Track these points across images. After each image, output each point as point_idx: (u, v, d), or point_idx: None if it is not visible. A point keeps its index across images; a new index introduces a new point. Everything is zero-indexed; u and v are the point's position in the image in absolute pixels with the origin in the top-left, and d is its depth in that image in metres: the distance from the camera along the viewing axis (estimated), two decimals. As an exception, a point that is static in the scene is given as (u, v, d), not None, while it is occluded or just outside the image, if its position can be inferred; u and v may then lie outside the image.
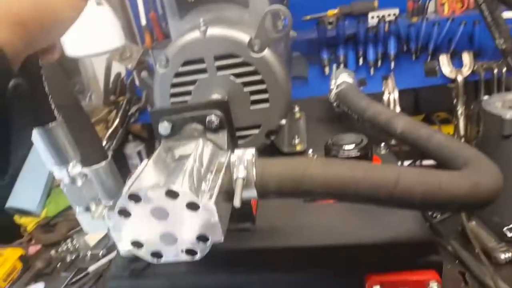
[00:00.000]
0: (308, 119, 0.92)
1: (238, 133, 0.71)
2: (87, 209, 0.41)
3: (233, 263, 0.53)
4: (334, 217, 0.56)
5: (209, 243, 0.38)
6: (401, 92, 1.42)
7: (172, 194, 0.36)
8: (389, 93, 1.15)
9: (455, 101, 1.14)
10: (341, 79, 0.85)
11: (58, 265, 0.97)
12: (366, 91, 1.22)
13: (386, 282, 0.48)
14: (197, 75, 0.67)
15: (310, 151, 0.73)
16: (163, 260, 0.39)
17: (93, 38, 0.77)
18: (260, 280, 0.52)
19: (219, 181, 0.40)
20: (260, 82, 0.66)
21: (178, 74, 0.68)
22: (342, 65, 1.20)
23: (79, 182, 0.39)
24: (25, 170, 1.11)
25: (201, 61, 0.66)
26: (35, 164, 1.08)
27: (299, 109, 0.92)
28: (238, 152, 0.43)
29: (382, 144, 0.71)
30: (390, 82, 1.17)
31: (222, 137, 0.49)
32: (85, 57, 0.76)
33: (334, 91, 0.82)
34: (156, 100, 0.70)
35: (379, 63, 1.20)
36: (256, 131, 0.71)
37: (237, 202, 0.37)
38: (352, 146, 0.65)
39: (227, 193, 0.40)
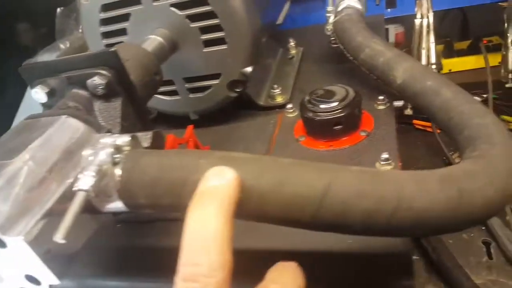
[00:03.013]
0: (308, 57, 0.73)
1: (194, 84, 0.55)
2: None
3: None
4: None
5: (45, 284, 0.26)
6: (444, 14, 1.16)
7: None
8: (422, 17, 0.91)
9: (506, 25, 0.88)
10: (345, 3, 0.64)
11: None
12: (395, 15, 0.99)
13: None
14: (130, 7, 0.51)
15: (289, 106, 0.56)
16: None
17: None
18: None
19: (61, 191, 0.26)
20: (210, 15, 0.49)
21: (105, 7, 0.51)
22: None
23: None
24: None
25: (130, -13, 0.49)
26: None
27: (295, 44, 0.73)
28: (105, 140, 0.28)
29: (382, 96, 0.53)
30: (425, 2, 0.92)
31: (114, 110, 0.34)
32: None
33: (330, 21, 0.62)
34: (88, 43, 0.55)
35: (412, -23, 0.93)
36: (215, 82, 0.54)
37: (58, 236, 0.23)
38: (332, 104, 0.48)
39: (83, 206, 0.26)
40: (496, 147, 0.33)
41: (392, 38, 1.14)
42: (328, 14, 0.63)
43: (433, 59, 0.93)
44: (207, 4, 0.48)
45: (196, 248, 0.23)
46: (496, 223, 0.74)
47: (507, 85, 0.91)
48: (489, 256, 0.73)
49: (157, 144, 0.33)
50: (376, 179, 0.26)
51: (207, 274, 0.22)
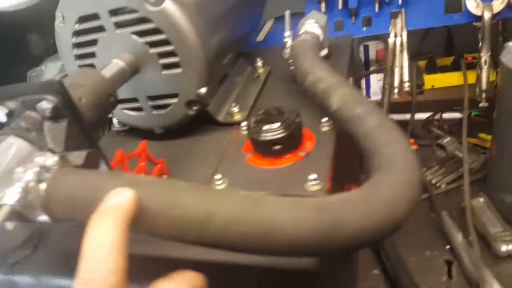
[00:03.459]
0: (274, 77, 0.77)
1: (156, 102, 0.61)
2: None
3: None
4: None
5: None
6: (428, 30, 1.19)
7: None
8: (396, 36, 0.95)
9: (480, 45, 0.91)
10: (304, 28, 0.69)
11: None
12: (371, 33, 1.03)
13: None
14: (96, 34, 0.56)
15: (243, 124, 0.61)
16: None
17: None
18: None
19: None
20: (165, 42, 0.54)
21: (76, 33, 0.57)
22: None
23: None
24: None
25: (96, 17, 0.55)
26: None
27: (262, 64, 0.78)
28: (37, 159, 0.34)
29: (326, 119, 0.57)
30: (399, 21, 0.96)
31: (60, 131, 0.40)
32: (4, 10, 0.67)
33: (287, 45, 0.67)
34: (64, 63, 0.61)
35: (388, -4, 0.97)
36: (174, 101, 0.60)
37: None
38: (274, 125, 0.53)
39: (8, 218, 0.32)
40: (389, 176, 0.37)
41: (373, 55, 1.18)
42: (285, 39, 0.68)
43: (405, 77, 0.97)
44: (162, 32, 0.53)
45: (92, 256, 0.28)
46: (460, 243, 0.77)
47: (480, 105, 0.94)
48: (449, 275, 0.76)
49: (91, 162, 0.39)
50: (255, 205, 0.31)
51: (102, 279, 0.27)
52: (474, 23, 0.91)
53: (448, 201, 0.91)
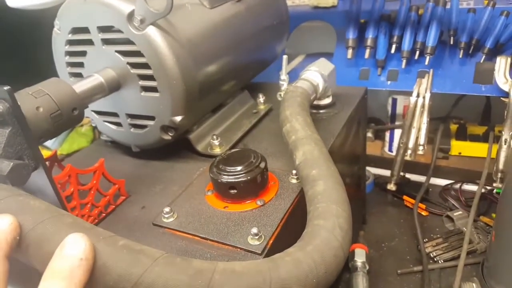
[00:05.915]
0: (272, 115, 0.75)
1: (134, 121, 0.61)
2: None
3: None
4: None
5: None
6: (468, 96, 1.12)
7: None
8: (418, 95, 0.90)
9: (505, 122, 0.84)
10: (305, 74, 0.66)
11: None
12: (395, 88, 0.98)
13: None
14: (86, 46, 0.57)
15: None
16: None
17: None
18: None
19: None
20: (145, 65, 0.54)
21: (69, 42, 0.59)
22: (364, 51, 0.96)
23: None
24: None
25: (86, 30, 0.56)
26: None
27: (263, 100, 0.76)
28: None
29: (295, 171, 0.54)
30: (425, 82, 0.91)
31: (2, 137, 0.40)
32: (28, 8, 0.70)
33: (282, 88, 0.64)
34: (56, 68, 0.63)
35: (416, 54, 0.93)
36: (151, 123, 0.59)
37: None
38: (235, 168, 0.50)
39: None
40: (296, 254, 0.34)
41: (400, 109, 1.12)
42: (281, 82, 0.66)
43: (422, 140, 0.91)
44: (143, 56, 0.53)
45: None
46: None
47: (494, 185, 0.86)
48: None
49: (17, 174, 0.38)
50: (135, 259, 0.29)
51: None
52: (502, 98, 0.84)
53: (441, 279, 0.83)
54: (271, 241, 0.45)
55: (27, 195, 0.32)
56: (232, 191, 0.50)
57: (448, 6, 0.89)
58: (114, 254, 0.28)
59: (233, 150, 0.56)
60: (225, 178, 0.50)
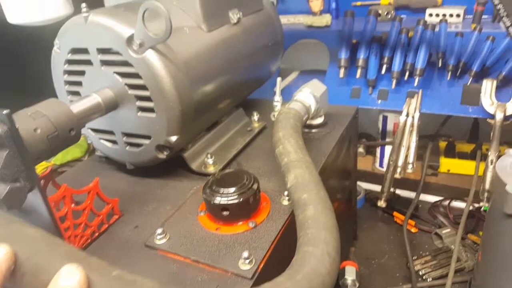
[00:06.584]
0: (266, 133, 0.76)
1: (130, 140, 0.62)
2: None
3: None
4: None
5: None
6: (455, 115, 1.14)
7: None
8: (407, 115, 0.92)
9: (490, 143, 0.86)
10: (298, 95, 0.68)
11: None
12: (385, 107, 1.01)
13: None
14: (85, 66, 0.58)
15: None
16: None
17: (37, 4, 0.72)
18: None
19: None
20: (143, 87, 0.55)
21: (68, 61, 0.60)
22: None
23: None
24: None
25: (86, 51, 0.57)
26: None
27: (258, 118, 0.77)
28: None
29: (287, 192, 0.55)
30: (414, 102, 0.93)
31: (-1, 159, 0.41)
32: (28, 25, 0.71)
33: (276, 109, 0.66)
34: (55, 86, 0.64)
35: (406, 75, 0.95)
36: (147, 142, 0.60)
37: None
38: (228, 190, 0.51)
39: None
40: (286, 283, 0.35)
41: (390, 126, 1.14)
42: (274, 103, 0.67)
43: (411, 159, 0.93)
44: (141, 78, 0.54)
45: None
46: None
47: (481, 204, 0.88)
48: None
49: (14, 197, 0.39)
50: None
51: None
52: (488, 120, 0.87)
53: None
54: (261, 265, 0.46)
55: (21, 223, 0.33)
56: (225, 212, 0.52)
57: (437, 29, 0.91)
58: (107, 285, 0.29)
59: (226, 171, 0.57)
60: (218, 200, 0.51)
